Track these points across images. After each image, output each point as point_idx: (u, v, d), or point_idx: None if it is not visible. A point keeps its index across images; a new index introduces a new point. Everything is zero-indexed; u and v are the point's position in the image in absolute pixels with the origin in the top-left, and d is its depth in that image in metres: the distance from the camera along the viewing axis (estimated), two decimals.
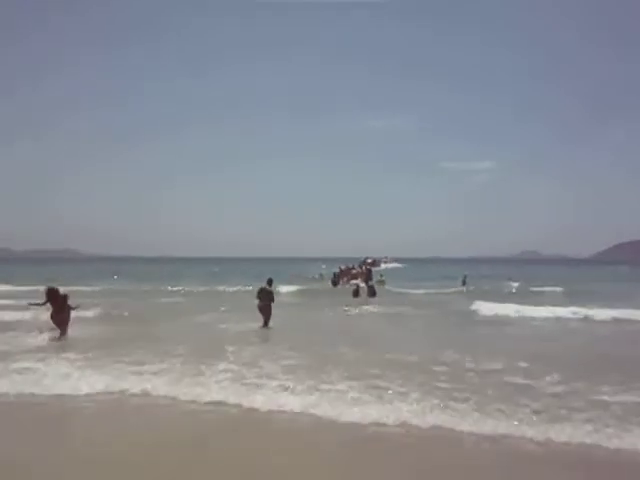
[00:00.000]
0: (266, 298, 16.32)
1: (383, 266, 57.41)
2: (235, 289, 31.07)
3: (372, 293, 27.75)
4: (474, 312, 20.36)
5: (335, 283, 34.52)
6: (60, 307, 13.97)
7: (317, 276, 43.58)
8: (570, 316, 18.55)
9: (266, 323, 16.09)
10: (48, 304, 14.04)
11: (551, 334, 16.06)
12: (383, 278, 36.39)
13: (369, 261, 52.73)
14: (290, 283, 31.59)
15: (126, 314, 18.62)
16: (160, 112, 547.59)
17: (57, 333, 13.89)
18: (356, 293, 27.00)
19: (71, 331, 14.14)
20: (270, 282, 16.79)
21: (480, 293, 28.30)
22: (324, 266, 55.57)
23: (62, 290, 14.47)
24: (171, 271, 62.80)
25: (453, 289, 33.55)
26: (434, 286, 35.37)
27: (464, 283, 37.73)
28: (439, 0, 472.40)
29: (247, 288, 28.84)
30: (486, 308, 20.58)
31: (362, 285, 30.86)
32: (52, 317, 14.09)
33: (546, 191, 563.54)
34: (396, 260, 79.67)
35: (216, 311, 19.97)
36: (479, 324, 17.84)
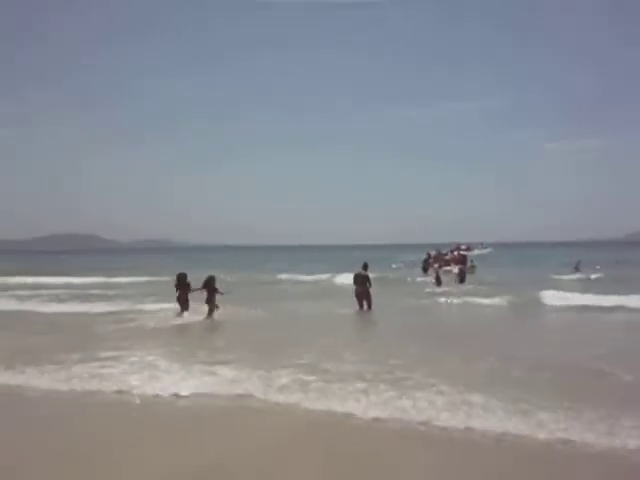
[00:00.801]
0: (362, 283, 16.32)
1: (477, 252, 55.25)
2: (319, 277, 30.78)
3: (461, 279, 26.45)
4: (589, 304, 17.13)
5: (425, 269, 33.53)
6: (185, 290, 15.52)
7: (409, 262, 42.76)
8: None
9: (368, 306, 16.19)
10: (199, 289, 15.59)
11: None
12: (474, 264, 35.06)
13: (463, 247, 51.01)
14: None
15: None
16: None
17: (182, 314, 15.36)
18: (439, 280, 25.25)
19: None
20: (365, 267, 16.74)
21: (604, 282, 25.59)
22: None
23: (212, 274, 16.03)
24: (254, 259, 63.70)
25: (564, 276, 30.02)
26: (538, 272, 32.72)
27: (577, 269, 35.51)
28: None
29: (322, 276, 28.94)
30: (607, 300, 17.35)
31: (455, 271, 30.21)
32: (178, 299, 15.66)
33: None
34: (491, 245, 76.45)
35: (308, 298, 20.22)
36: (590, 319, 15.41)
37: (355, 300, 16.34)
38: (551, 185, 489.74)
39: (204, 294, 15.30)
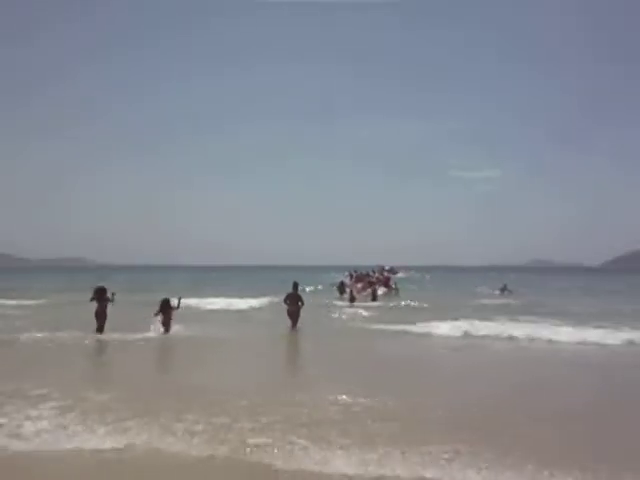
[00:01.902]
0: (294, 302, 16.59)
1: (400, 274, 54.95)
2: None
3: (373, 299, 27.80)
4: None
5: (342, 291, 31.63)
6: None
7: (327, 284, 40.80)
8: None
9: (294, 324, 16.44)
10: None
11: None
12: (397, 287, 34.51)
13: (387, 268, 50.50)
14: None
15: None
16: (174, 116, 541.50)
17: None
18: (352, 300, 26.12)
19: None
20: (296, 286, 17.01)
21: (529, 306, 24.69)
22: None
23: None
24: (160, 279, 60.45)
25: (489, 300, 29.28)
26: (463, 296, 32.25)
27: (503, 292, 35.38)
28: (443, 3, 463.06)
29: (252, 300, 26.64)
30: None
31: (380, 292, 31.07)
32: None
33: (556, 198, 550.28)
34: (404, 268, 76.60)
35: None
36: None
37: (288, 319, 16.58)
38: (463, 212, 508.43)
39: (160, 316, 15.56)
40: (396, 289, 34.02)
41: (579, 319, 18.50)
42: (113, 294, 15.50)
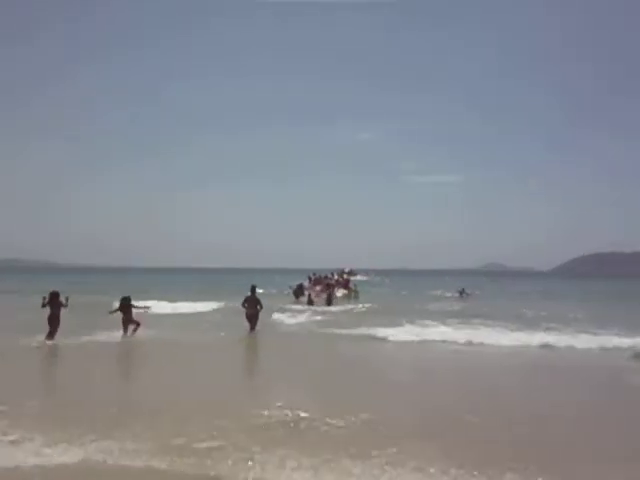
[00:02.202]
0: (252, 306, 16.64)
1: (359, 277, 55.08)
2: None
3: (328, 303, 27.32)
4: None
5: (298, 294, 31.30)
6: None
7: (286, 287, 40.43)
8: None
9: (252, 327, 16.54)
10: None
11: None
12: (357, 288, 34.47)
13: (347, 270, 50.49)
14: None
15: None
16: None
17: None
18: (310, 303, 26.93)
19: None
20: (253, 289, 16.98)
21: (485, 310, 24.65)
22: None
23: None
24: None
25: (447, 304, 29.41)
26: (423, 300, 32.33)
27: (461, 294, 36.02)
28: (415, 9, 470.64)
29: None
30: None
31: (338, 294, 31.25)
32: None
33: (513, 204, 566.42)
34: (364, 271, 77.07)
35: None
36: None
37: (246, 322, 16.60)
38: (418, 216, 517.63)
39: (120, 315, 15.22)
40: (355, 291, 34.03)
41: (533, 323, 18.99)
42: (67, 298, 14.69)
